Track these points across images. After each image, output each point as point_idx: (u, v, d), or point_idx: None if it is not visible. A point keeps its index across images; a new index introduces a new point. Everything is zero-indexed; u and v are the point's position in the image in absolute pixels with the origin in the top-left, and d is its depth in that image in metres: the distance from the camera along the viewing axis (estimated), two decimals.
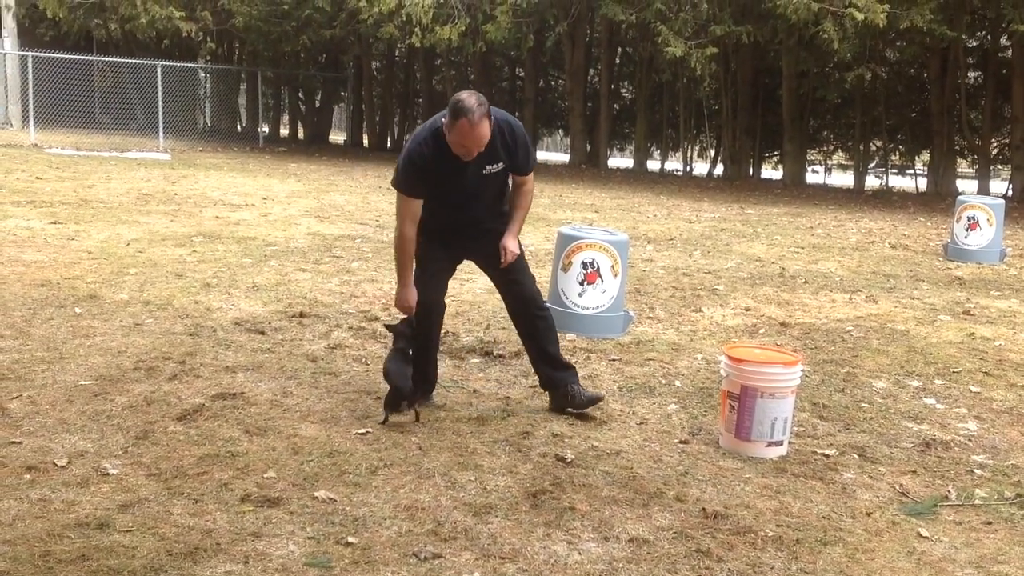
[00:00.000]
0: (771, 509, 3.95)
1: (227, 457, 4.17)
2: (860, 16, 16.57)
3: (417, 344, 4.93)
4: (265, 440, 4.41)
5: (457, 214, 4.84)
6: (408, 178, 4.64)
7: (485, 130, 4.45)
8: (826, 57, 20.81)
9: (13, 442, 4.23)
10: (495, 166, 4.70)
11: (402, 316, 4.90)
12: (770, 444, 4.53)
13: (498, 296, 7.57)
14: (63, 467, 3.99)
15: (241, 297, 7.29)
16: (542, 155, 31.72)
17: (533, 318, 5.04)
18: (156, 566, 3.18)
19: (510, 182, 4.91)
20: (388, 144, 32.63)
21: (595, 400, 5.01)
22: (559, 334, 6.66)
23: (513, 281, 4.99)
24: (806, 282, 9.30)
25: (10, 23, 26.54)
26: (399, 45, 29.32)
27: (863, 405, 5.45)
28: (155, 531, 3.44)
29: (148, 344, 5.90)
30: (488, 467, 4.23)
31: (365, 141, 32.72)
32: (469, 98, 4.42)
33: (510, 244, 4.84)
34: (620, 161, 30.44)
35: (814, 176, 26.66)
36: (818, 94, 23.62)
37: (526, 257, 5.17)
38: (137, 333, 6.14)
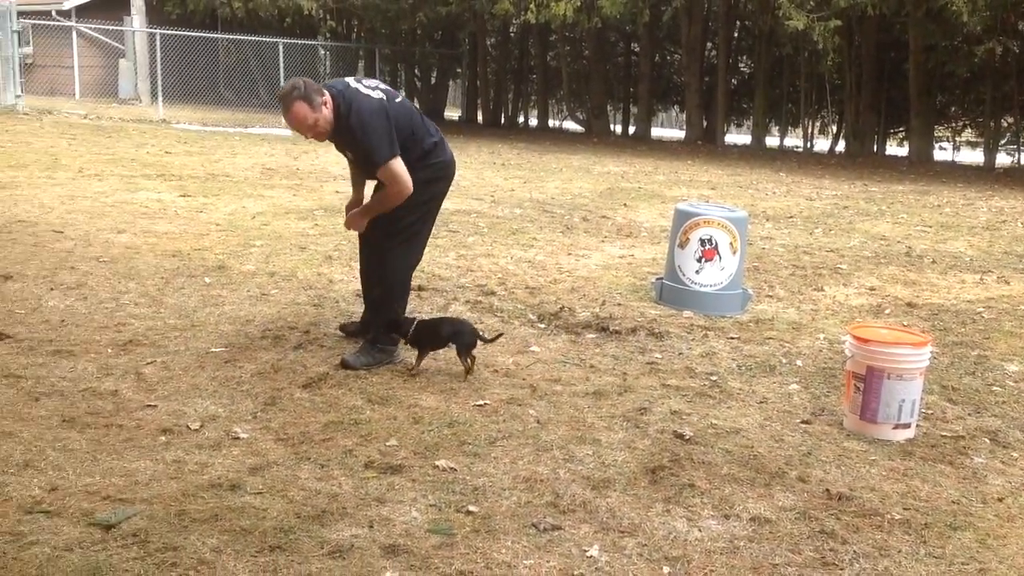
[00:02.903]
0: (898, 492, 3.85)
1: (351, 424, 4.27)
2: None
3: None
4: (387, 409, 4.49)
5: None
6: None
7: (300, 113, 4.72)
8: (955, 30, 19.99)
9: (148, 405, 4.41)
10: (348, 153, 5.15)
11: None
12: (897, 426, 4.42)
13: (614, 272, 7.57)
14: (196, 430, 4.14)
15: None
16: (656, 131, 31.40)
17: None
18: (285, 527, 3.28)
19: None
20: (502, 120, 32.72)
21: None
22: (676, 310, 6.64)
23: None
24: (934, 262, 9.01)
25: (138, 1, 27.45)
26: (514, 21, 29.29)
27: (995, 388, 5.26)
28: (284, 494, 3.55)
29: (274, 313, 6.07)
30: (606, 442, 4.23)
31: (480, 117, 32.88)
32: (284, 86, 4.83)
33: (352, 214, 5.24)
34: (737, 137, 29.90)
35: (941, 153, 25.73)
36: (946, 68, 22.73)
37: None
38: (264, 303, 6.32)
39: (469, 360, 5.00)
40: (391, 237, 5.12)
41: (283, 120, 4.84)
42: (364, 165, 5.03)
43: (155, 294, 6.40)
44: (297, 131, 4.86)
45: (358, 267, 5.74)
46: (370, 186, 5.28)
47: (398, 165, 4.85)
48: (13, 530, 3.17)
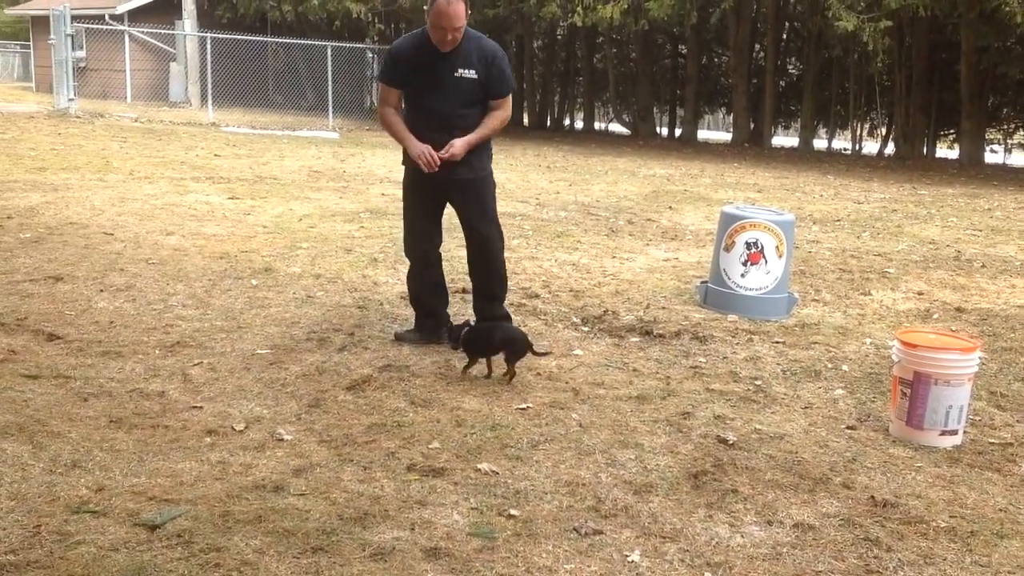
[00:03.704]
0: (944, 499, 3.80)
1: (394, 427, 4.29)
2: None
3: (417, 286, 5.73)
4: (430, 412, 4.51)
5: (430, 116, 5.29)
6: (386, 67, 5.38)
7: (459, 10, 4.93)
8: (1008, 31, 19.66)
9: (194, 407, 4.46)
10: (469, 71, 5.15)
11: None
12: (944, 433, 4.35)
13: (658, 275, 7.52)
14: (241, 432, 4.18)
15: (406, 272, 7.44)
16: (702, 134, 31.26)
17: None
18: (328, 529, 3.30)
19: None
20: (548, 123, 32.71)
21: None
22: (721, 314, 6.60)
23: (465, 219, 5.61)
24: (984, 266, 8.87)
25: (190, 5, 27.86)
26: (561, 23, 29.28)
27: None
28: (327, 496, 3.57)
29: (319, 316, 6.12)
30: (648, 446, 4.22)
31: (525, 120, 32.90)
32: None
33: (456, 142, 5.22)
34: (784, 140, 29.66)
35: (993, 156, 25.36)
36: (999, 70, 22.40)
37: (490, 187, 5.63)
38: (309, 305, 6.38)
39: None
40: (493, 222, 5.60)
41: (434, 15, 4.95)
42: (494, 86, 5.26)
43: (203, 296, 6.47)
44: (442, 25, 4.98)
45: (413, 271, 5.83)
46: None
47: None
48: (60, 529, 3.22)
